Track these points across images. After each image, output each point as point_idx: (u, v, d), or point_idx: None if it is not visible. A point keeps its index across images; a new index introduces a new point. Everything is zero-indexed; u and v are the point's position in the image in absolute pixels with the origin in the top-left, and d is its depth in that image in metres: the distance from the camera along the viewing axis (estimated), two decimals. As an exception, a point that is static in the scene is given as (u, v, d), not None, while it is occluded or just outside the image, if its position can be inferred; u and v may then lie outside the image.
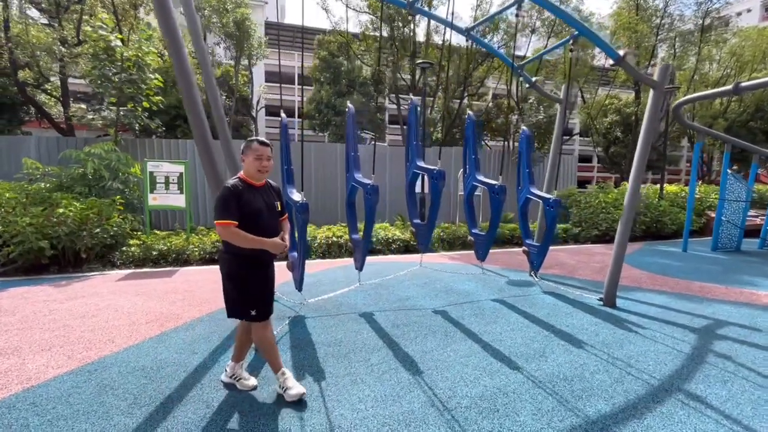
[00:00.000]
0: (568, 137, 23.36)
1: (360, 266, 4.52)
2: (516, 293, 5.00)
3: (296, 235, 3.87)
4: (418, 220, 5.06)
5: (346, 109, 4.62)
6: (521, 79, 6.12)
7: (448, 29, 5.53)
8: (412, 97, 4.96)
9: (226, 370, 2.72)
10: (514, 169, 6.77)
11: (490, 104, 19.58)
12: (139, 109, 9.24)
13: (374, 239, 7.85)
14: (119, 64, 8.49)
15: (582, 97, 22.23)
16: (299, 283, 4.17)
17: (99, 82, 8.52)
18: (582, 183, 27.33)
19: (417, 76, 16.88)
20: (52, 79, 13.80)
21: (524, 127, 5.29)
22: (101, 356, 3.09)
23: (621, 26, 18.43)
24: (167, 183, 7.13)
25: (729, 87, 5.64)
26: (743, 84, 5.56)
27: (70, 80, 14.02)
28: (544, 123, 14.65)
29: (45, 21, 14.15)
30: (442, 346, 3.38)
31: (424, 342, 3.46)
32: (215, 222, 2.36)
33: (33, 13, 14.42)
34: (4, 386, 2.63)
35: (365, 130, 18.69)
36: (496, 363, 3.08)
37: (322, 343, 3.39)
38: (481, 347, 3.37)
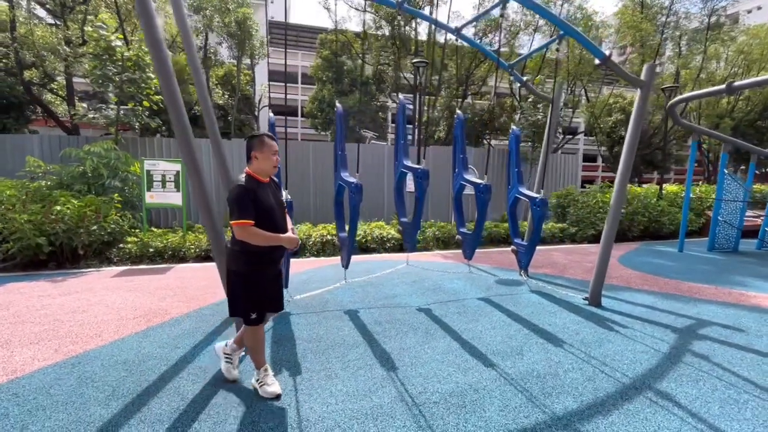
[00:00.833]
0: (571, 136, 23.21)
1: (346, 264, 4.58)
2: (503, 292, 5.03)
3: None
4: (405, 219, 5.10)
5: (335, 109, 4.67)
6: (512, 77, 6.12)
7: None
8: (401, 96, 4.99)
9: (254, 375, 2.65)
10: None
11: (491, 103, 19.52)
12: (140, 108, 9.39)
13: (369, 237, 7.90)
14: (120, 63, 8.63)
15: (586, 96, 22.08)
16: (286, 281, 4.23)
17: (100, 81, 8.67)
18: (587, 182, 27.17)
19: (421, 76, 16.89)
20: (57, 78, 14.04)
21: (514, 127, 5.30)
22: (86, 350, 3.18)
23: (625, 24, 18.28)
24: (164, 181, 7.24)
25: (722, 86, 5.61)
26: (736, 83, 5.53)
27: (75, 80, 14.26)
28: (542, 123, 14.59)
29: (51, 21, 14.41)
30: (421, 343, 3.43)
31: (404, 339, 3.50)
32: (231, 222, 2.28)
33: (41, 12, 14.69)
34: (-10, 377, 2.73)
35: (366, 129, 18.74)
36: (471, 360, 3.12)
37: (303, 339, 3.45)
38: (459, 345, 3.41)
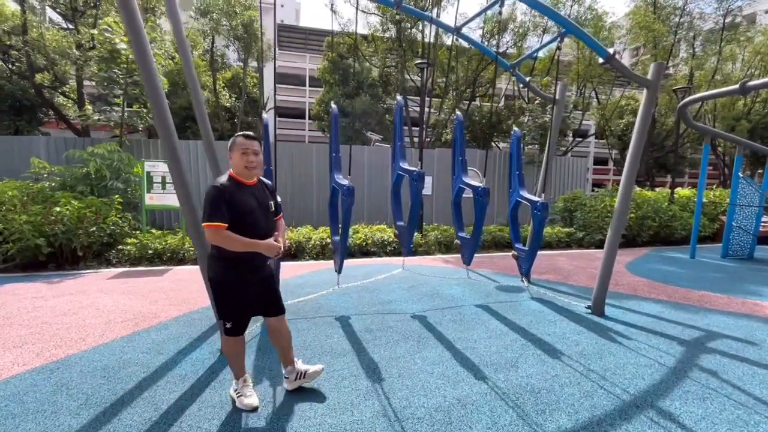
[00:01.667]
0: (581, 138, 22.80)
1: (339, 269, 4.47)
2: (502, 299, 4.86)
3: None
4: (401, 222, 4.98)
5: (330, 110, 4.58)
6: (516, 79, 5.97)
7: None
8: (398, 97, 4.88)
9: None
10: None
11: (498, 105, 19.31)
12: (144, 110, 9.44)
13: (369, 241, 7.79)
14: (124, 66, 8.69)
15: (597, 98, 21.69)
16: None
17: (105, 83, 8.74)
18: (597, 186, 26.68)
19: (425, 77, 16.77)
20: (69, 82, 14.25)
21: (516, 129, 5.15)
22: (68, 354, 3.11)
23: (637, 25, 17.92)
24: (164, 183, 7.23)
25: (735, 86, 5.38)
26: (750, 83, 5.29)
27: (86, 83, 14.47)
28: (549, 125, 14.35)
29: (64, 25, 14.65)
30: (412, 352, 3.29)
31: (394, 348, 3.37)
32: (203, 225, 2.18)
33: (54, 15, 14.96)
34: (-34, 382, 2.67)
35: (372, 132, 18.67)
36: (463, 372, 2.97)
37: (290, 347, 3.34)
38: (451, 355, 3.27)
